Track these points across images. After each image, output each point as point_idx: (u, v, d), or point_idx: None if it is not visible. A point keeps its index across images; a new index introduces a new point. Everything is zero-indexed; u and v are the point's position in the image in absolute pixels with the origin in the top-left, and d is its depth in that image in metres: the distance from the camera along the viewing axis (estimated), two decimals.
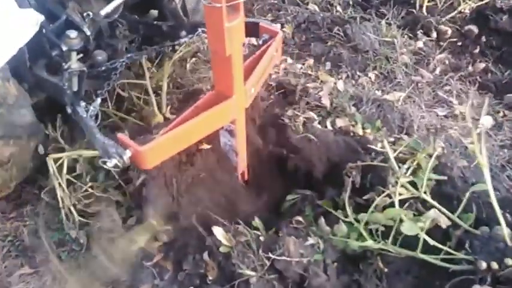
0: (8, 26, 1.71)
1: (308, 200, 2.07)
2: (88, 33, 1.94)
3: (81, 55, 1.93)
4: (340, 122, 2.41)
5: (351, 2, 3.70)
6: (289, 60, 3.02)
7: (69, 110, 1.98)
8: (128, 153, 1.55)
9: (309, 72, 2.94)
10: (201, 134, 1.73)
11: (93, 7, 2.20)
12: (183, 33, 2.39)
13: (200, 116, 1.64)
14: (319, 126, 2.34)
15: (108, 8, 2.15)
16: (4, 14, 1.71)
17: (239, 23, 1.50)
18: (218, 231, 1.71)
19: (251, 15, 3.49)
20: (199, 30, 2.26)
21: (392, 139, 2.35)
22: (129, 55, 2.22)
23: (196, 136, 1.71)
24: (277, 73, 2.90)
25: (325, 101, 2.61)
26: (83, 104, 1.97)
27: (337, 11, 3.67)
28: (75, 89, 1.93)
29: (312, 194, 2.07)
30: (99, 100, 2.03)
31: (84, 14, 2.12)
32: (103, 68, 2.09)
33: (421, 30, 3.42)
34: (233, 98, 1.71)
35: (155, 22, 2.48)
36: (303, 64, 3.01)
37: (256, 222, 1.83)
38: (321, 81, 2.87)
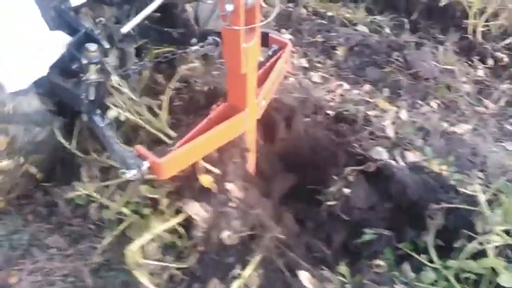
0: (39, 47, 1.84)
1: (386, 241, 2.01)
2: (107, 46, 2.02)
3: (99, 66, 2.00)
4: (411, 156, 2.36)
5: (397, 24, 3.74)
6: (345, 86, 2.99)
7: (85, 118, 2.04)
8: (146, 164, 1.61)
9: (367, 98, 2.91)
10: (215, 146, 1.82)
11: (105, 12, 2.35)
12: (194, 40, 2.47)
13: (214, 129, 1.75)
14: (390, 160, 2.29)
15: (131, 25, 2.27)
16: (36, 36, 1.84)
17: (255, 43, 1.64)
18: (304, 276, 1.66)
19: (299, 36, 3.49)
20: (210, 38, 2.33)
21: (464, 176, 2.31)
22: (141, 62, 2.29)
23: (210, 147, 1.81)
24: (333, 99, 2.88)
25: (390, 132, 2.56)
26: (98, 112, 2.02)
27: (387, 34, 3.68)
28: (92, 98, 1.99)
29: (391, 235, 2.02)
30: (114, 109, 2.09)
31: (97, 20, 2.27)
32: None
33: (476, 57, 3.40)
34: (246, 111, 1.82)
35: (166, 29, 2.58)
36: (360, 90, 2.99)
37: (342, 268, 1.78)
38: (381, 109, 2.84)
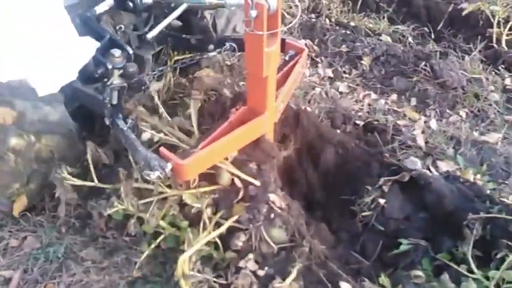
0: (69, 52, 1.91)
1: (423, 251, 2.01)
2: (130, 52, 2.07)
3: (122, 71, 2.06)
4: (444, 166, 2.37)
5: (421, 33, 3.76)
6: (373, 95, 3.01)
7: (107, 122, 2.10)
8: (169, 166, 1.68)
9: (395, 108, 2.93)
10: (235, 148, 1.89)
11: (124, 20, 2.44)
12: (211, 47, 2.54)
13: (234, 131, 1.81)
14: (425, 170, 2.30)
15: (155, 32, 2.36)
16: (66, 41, 1.91)
17: (276, 48, 1.71)
18: None
19: (324, 46, 3.53)
20: (227, 44, 2.40)
21: (499, 185, 2.31)
22: (160, 68, 2.35)
23: (230, 149, 1.87)
24: (362, 109, 2.90)
25: (420, 141, 2.58)
26: (121, 116, 2.09)
27: (411, 44, 3.70)
28: (115, 102, 2.05)
29: (427, 245, 2.02)
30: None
31: (117, 27, 2.38)
32: (134, 80, 2.19)
33: (503, 66, 3.40)
34: (265, 114, 1.88)
35: (184, 35, 2.65)
36: (387, 99, 3.01)
37: (383, 279, 1.79)
38: (409, 118, 2.85)
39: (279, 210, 1.83)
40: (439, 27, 3.92)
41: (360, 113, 2.85)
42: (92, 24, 2.15)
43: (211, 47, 2.54)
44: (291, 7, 4.00)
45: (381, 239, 2.11)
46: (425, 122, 2.79)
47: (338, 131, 2.63)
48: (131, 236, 2.10)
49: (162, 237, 1.95)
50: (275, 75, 1.83)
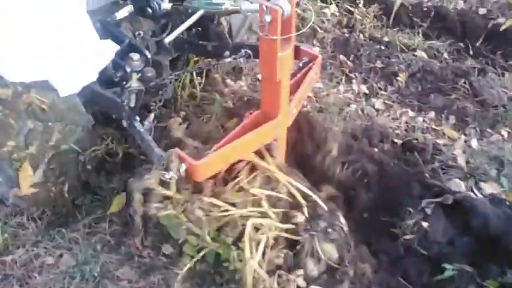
0: (92, 52, 1.98)
1: (468, 278, 1.97)
2: (149, 56, 2.15)
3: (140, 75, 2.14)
4: (487, 187, 2.33)
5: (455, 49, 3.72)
6: (410, 113, 2.98)
7: (125, 124, 2.19)
8: (183, 167, 1.76)
9: (433, 126, 2.90)
10: (248, 151, 1.95)
11: (143, 26, 2.54)
12: (227, 53, 2.59)
13: (247, 134, 1.88)
14: (469, 192, 2.26)
15: (172, 37, 2.48)
16: (88, 44, 1.98)
17: (290, 52, 1.79)
18: None
19: (358, 62, 3.52)
20: (243, 51, 2.44)
21: None
22: (177, 72, 2.41)
23: (244, 152, 1.94)
24: (399, 127, 2.88)
25: (462, 161, 2.54)
26: (138, 118, 2.16)
27: (446, 59, 3.67)
28: (133, 105, 2.13)
29: (473, 271, 1.98)
30: (152, 115, 2.25)
31: (136, 33, 2.48)
32: (152, 84, 2.24)
33: None
34: (278, 118, 1.95)
35: (200, 42, 2.73)
36: (424, 117, 2.98)
37: None
38: (448, 137, 2.82)
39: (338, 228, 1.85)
40: (475, 43, 3.87)
41: (397, 131, 2.83)
42: (111, 29, 2.25)
43: (227, 53, 2.60)
44: (323, 22, 4.02)
45: (424, 264, 2.09)
46: (465, 141, 2.74)
47: (376, 149, 2.61)
48: (168, 255, 2.11)
49: (203, 252, 1.94)
50: (288, 80, 1.91)
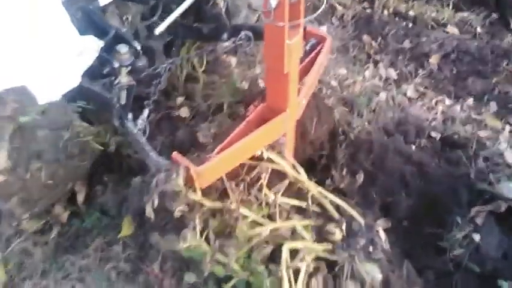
0: (71, 54, 1.82)
1: None
2: (138, 47, 1.98)
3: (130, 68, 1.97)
4: None
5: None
6: (447, 101, 2.74)
7: (116, 123, 2.02)
8: (184, 173, 1.58)
9: (472, 115, 2.66)
10: (255, 150, 1.77)
11: (131, 9, 2.38)
12: (225, 36, 2.43)
13: (253, 133, 1.71)
14: None
15: (162, 27, 2.28)
16: (67, 45, 1.81)
17: (298, 40, 1.58)
18: None
19: (384, 42, 3.25)
20: (242, 33, 2.25)
21: None
22: (170, 60, 2.19)
23: (250, 152, 1.76)
24: (435, 118, 2.64)
25: (509, 158, 2.32)
26: (130, 117, 2.00)
27: (480, 35, 3.39)
28: (123, 102, 1.97)
29: None
30: (146, 112, 2.04)
31: (123, 18, 2.34)
32: (144, 74, 2.08)
33: None
34: (287, 112, 1.77)
35: (195, 24, 2.55)
36: (462, 105, 2.74)
37: None
38: (490, 127, 2.58)
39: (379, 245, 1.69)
40: (510, 14, 3.56)
41: (433, 123, 2.60)
42: (95, 18, 2.05)
43: (225, 36, 2.43)
44: None
45: (477, 281, 1.91)
46: (510, 131, 2.51)
47: (413, 146, 2.40)
48: (192, 284, 1.92)
49: (232, 282, 1.77)
50: (297, 70, 1.73)
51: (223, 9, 2.58)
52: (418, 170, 2.24)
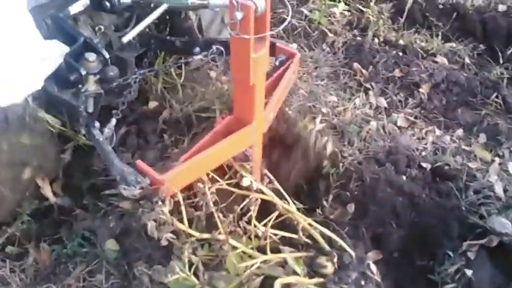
0: (35, 58, 1.79)
1: None
2: (107, 56, 2.01)
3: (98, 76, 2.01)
4: None
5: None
6: (437, 131, 2.78)
7: (83, 132, 2.08)
8: (146, 181, 1.62)
9: (463, 146, 2.70)
10: (220, 160, 1.81)
11: (104, 20, 2.39)
12: (197, 49, 2.49)
13: (219, 143, 1.75)
14: None
15: (130, 36, 2.29)
16: (30, 47, 1.78)
17: (264, 53, 1.64)
18: None
19: (374, 70, 3.30)
20: (214, 47, 2.31)
21: None
22: (142, 71, 2.26)
23: (215, 162, 1.79)
24: (425, 148, 2.67)
25: (499, 190, 2.34)
26: (97, 125, 2.04)
27: (469, 66, 3.46)
28: (91, 110, 2.02)
29: None
30: (114, 121, 2.08)
31: (96, 28, 2.34)
32: (115, 84, 2.11)
33: None
34: (253, 124, 1.82)
35: (168, 37, 2.63)
36: (452, 135, 2.77)
37: None
38: (480, 159, 2.62)
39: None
40: (499, 46, 3.65)
41: (423, 153, 2.62)
42: (65, 26, 2.07)
43: (197, 49, 2.48)
44: (332, 23, 3.78)
45: None
46: (500, 163, 2.54)
47: (404, 177, 2.41)
48: None
49: None
50: (263, 82, 1.79)
51: (195, 23, 2.68)
52: (409, 201, 2.25)
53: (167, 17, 2.66)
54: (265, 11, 1.53)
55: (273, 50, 2.21)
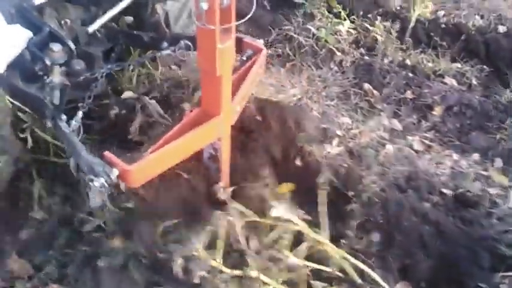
0: None
1: None
2: (72, 46, 2.04)
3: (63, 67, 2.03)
4: None
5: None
6: (454, 156, 2.78)
7: (49, 124, 2.07)
8: (115, 172, 1.67)
9: (480, 171, 2.71)
10: (188, 152, 1.89)
11: (71, 14, 2.44)
12: (165, 44, 2.51)
13: (187, 134, 1.82)
14: None
15: (96, 26, 2.37)
16: None
17: (231, 45, 1.72)
18: None
19: (384, 91, 3.31)
20: (182, 42, 2.37)
21: None
22: (109, 66, 2.30)
23: (183, 154, 1.87)
24: (444, 173, 2.67)
25: None
26: (64, 117, 2.04)
27: (471, 85, 3.51)
28: (57, 102, 2.02)
29: None
30: (80, 113, 2.08)
31: (62, 22, 2.38)
32: (81, 78, 2.15)
33: None
34: (220, 116, 1.89)
35: (135, 32, 2.67)
36: (468, 160, 2.79)
37: None
38: (498, 184, 2.63)
39: None
40: (504, 68, 3.73)
41: (442, 178, 2.62)
42: (28, 15, 2.08)
43: (164, 44, 2.50)
44: (339, 41, 3.79)
45: None
46: None
47: (427, 204, 2.39)
48: None
49: None
50: (230, 75, 1.85)
51: (162, 18, 2.75)
52: (435, 230, 2.23)
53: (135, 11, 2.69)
54: (230, 2, 1.60)
55: (240, 46, 2.26)
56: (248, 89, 2.15)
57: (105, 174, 1.66)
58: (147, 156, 1.74)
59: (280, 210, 1.86)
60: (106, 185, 1.65)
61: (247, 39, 2.30)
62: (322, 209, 2.00)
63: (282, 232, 1.88)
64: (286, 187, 2.09)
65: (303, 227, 1.86)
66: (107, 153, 1.72)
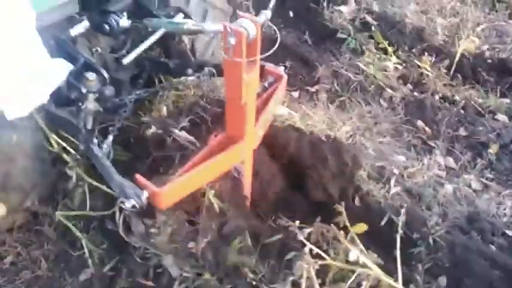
0: (42, 75, 1.92)
1: None
2: (106, 75, 2.17)
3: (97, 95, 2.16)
4: None
5: None
6: None
7: (81, 148, 2.19)
8: (145, 194, 1.76)
9: None
10: (214, 175, 2.02)
11: (101, 42, 2.57)
12: (190, 71, 2.63)
13: (213, 158, 1.92)
14: None
15: (130, 58, 2.54)
16: (38, 63, 1.91)
17: (255, 75, 1.85)
18: None
19: (437, 128, 3.33)
20: (206, 69, 2.50)
21: None
22: (138, 91, 2.47)
23: (209, 177, 2.01)
24: (505, 214, 2.67)
25: None
26: (95, 141, 2.14)
27: None
28: (89, 127, 2.15)
29: None
30: (111, 137, 2.22)
31: (93, 50, 2.51)
32: (110, 103, 2.28)
33: None
34: (244, 140, 2.00)
35: (162, 59, 2.84)
36: None
37: None
38: None
39: None
40: None
41: (504, 219, 2.62)
42: (66, 47, 2.23)
43: (189, 71, 2.62)
44: (387, 77, 3.84)
45: None
46: None
47: (492, 246, 2.40)
48: None
49: None
50: (254, 102, 1.97)
51: (188, 46, 2.94)
52: (504, 274, 2.23)
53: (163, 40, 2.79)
54: (256, 37, 1.70)
55: (262, 73, 2.32)
56: (270, 114, 2.30)
57: (135, 196, 1.75)
58: (176, 179, 1.84)
59: (355, 253, 1.89)
60: (137, 206, 1.74)
61: (269, 66, 2.39)
62: (398, 254, 2.00)
63: (360, 278, 1.89)
64: (359, 227, 2.08)
65: (379, 273, 1.89)
66: (138, 175, 1.82)
